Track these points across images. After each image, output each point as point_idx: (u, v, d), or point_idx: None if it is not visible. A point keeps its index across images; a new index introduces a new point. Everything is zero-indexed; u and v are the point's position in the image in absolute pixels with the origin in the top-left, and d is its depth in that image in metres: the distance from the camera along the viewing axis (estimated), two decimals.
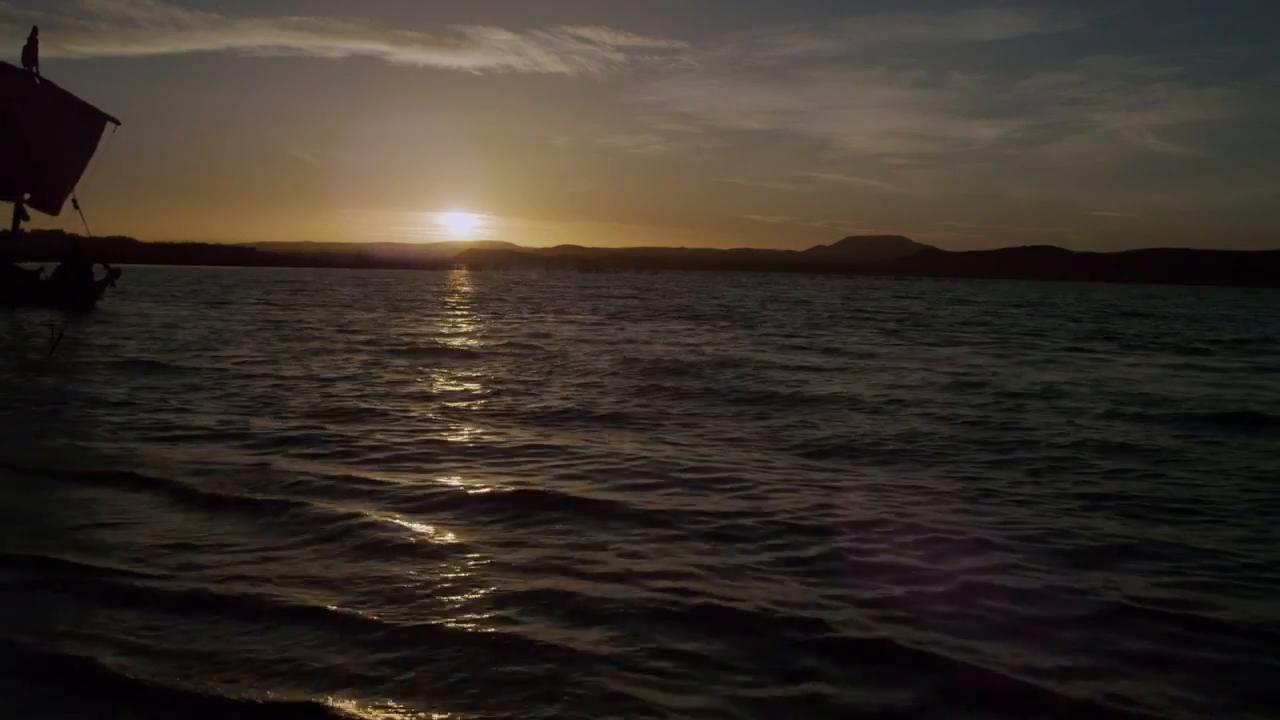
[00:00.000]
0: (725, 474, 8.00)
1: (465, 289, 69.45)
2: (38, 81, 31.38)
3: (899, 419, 11.28)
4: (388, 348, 19.46)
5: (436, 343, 21.17)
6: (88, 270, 30.81)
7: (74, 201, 31.41)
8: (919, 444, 9.65)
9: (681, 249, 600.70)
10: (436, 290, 64.37)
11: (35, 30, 31.66)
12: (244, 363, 16.02)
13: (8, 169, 30.28)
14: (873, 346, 22.47)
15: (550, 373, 15.40)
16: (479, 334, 24.69)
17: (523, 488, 7.29)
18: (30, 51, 31.26)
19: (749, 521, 6.42)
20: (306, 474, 7.79)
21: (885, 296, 69.16)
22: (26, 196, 31.14)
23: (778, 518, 6.52)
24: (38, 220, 31.63)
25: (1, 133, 30.05)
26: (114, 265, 31.34)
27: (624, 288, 78.79)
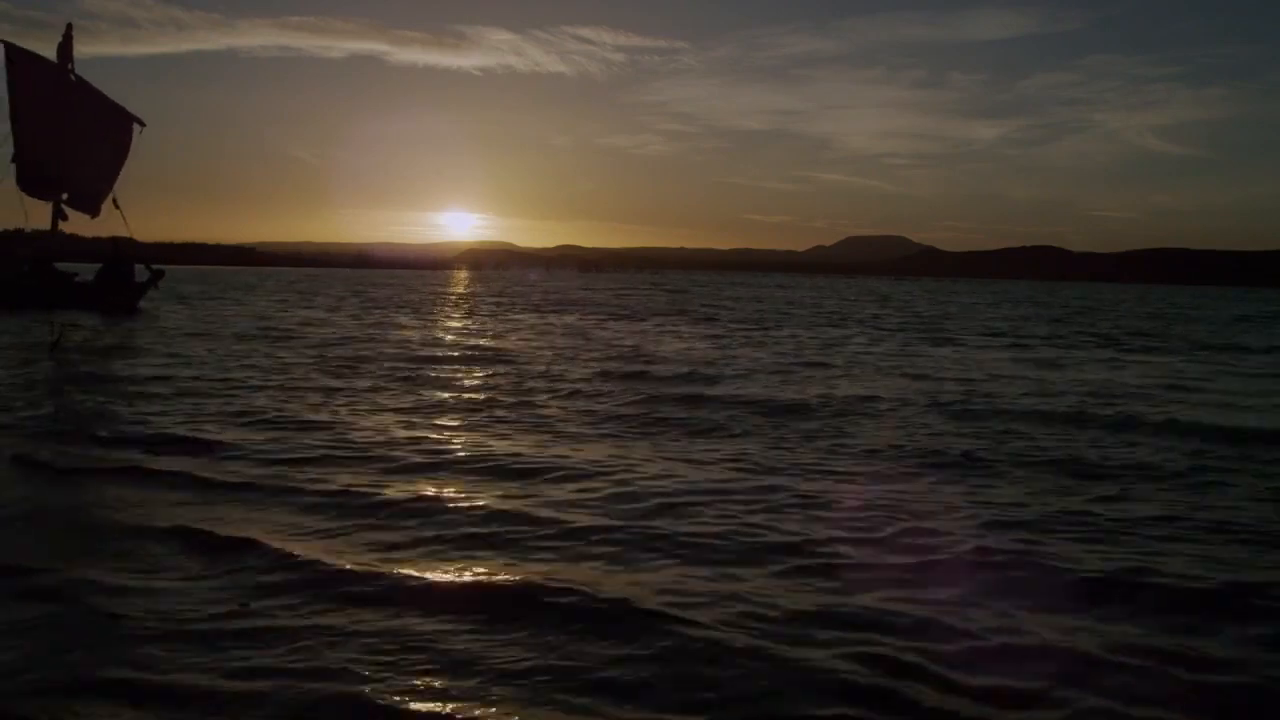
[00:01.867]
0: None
1: (466, 289, 69.17)
2: (73, 79, 30.94)
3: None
4: (388, 360, 19.15)
5: (434, 353, 20.54)
6: (129, 272, 30.33)
7: (114, 201, 30.88)
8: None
9: (681, 249, 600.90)
10: (437, 291, 64.15)
11: (70, 27, 31.29)
12: (225, 379, 14.86)
13: (46, 167, 29.78)
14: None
15: (533, 390, 13.70)
16: (478, 340, 24.47)
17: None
18: (65, 49, 30.83)
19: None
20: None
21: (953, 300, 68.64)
22: (65, 197, 30.61)
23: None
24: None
25: (37, 129, 29.57)
26: (156, 266, 30.88)
27: (632, 288, 78.52)
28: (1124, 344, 25.17)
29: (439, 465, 8.54)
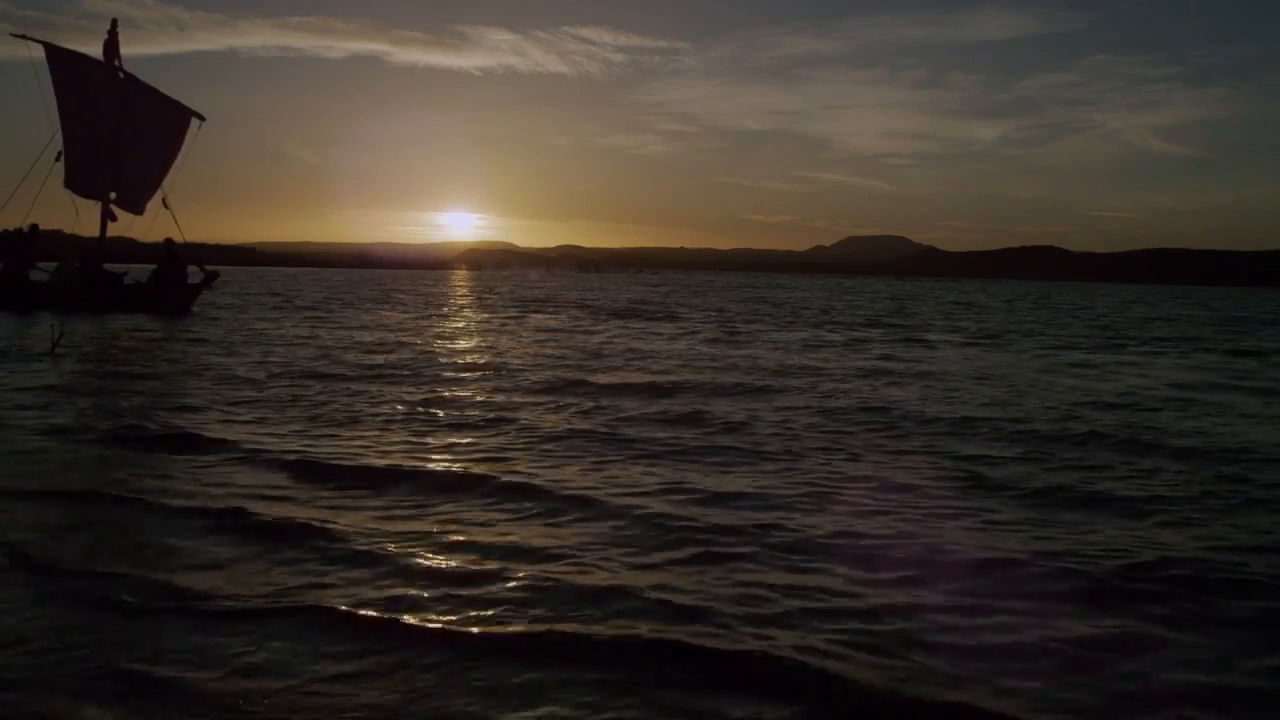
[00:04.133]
0: None
1: (466, 290, 69.08)
2: (120, 76, 30.24)
3: None
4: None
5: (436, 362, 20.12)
6: (183, 273, 29.82)
7: (164, 202, 30.01)
8: None
9: (681, 249, 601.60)
10: (440, 290, 64.09)
11: (114, 23, 30.56)
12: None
13: (95, 167, 29.13)
14: None
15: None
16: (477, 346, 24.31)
17: None
18: (111, 45, 30.13)
19: None
20: None
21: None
22: (113, 196, 29.94)
23: None
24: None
25: (86, 129, 28.90)
26: (210, 268, 30.37)
27: (631, 288, 78.13)
28: None
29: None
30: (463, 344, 21.14)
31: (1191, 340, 27.84)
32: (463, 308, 39.64)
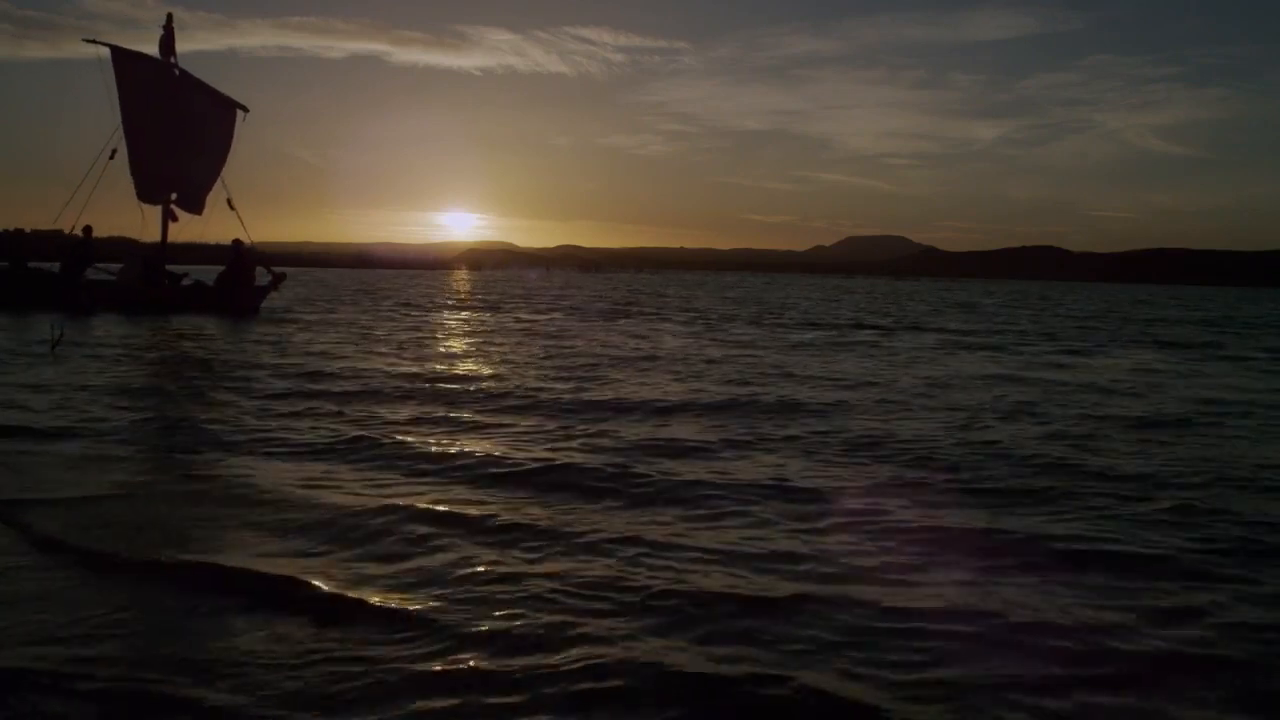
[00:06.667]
0: None
1: (466, 290, 68.77)
2: (176, 73, 29.69)
3: None
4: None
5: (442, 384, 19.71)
6: (250, 274, 29.52)
7: (229, 202, 29.61)
8: None
9: (681, 249, 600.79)
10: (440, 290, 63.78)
11: (170, 18, 30.03)
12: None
13: (158, 169, 28.77)
14: None
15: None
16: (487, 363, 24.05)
17: None
18: (167, 42, 29.58)
19: None
20: None
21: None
22: (174, 197, 29.55)
23: None
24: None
25: (151, 131, 28.43)
26: (277, 269, 30.05)
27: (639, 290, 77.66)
28: None
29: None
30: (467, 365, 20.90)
31: None
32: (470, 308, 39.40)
